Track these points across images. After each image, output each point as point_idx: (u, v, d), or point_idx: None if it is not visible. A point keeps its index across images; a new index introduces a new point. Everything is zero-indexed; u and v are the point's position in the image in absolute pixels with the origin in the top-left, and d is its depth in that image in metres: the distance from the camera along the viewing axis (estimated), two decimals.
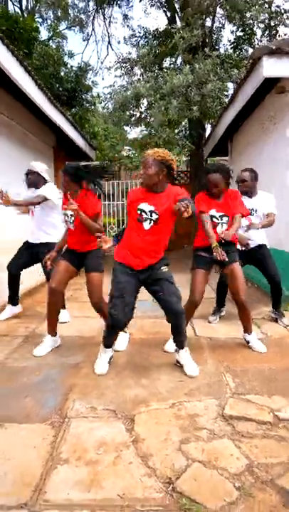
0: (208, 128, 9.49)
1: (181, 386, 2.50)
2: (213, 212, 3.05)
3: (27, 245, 4.00)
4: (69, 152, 7.85)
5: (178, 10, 7.93)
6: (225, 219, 3.04)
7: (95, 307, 3.15)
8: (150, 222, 2.55)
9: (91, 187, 3.05)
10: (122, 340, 3.20)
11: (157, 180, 2.52)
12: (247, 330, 3.20)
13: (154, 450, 1.86)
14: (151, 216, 2.54)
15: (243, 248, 3.50)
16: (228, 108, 5.65)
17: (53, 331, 3.21)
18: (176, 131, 8.71)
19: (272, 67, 3.73)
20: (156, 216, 2.53)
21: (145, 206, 2.56)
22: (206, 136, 9.18)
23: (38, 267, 4.01)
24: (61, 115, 6.07)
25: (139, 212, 2.57)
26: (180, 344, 2.81)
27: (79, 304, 4.60)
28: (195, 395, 2.37)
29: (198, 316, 3.88)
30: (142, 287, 2.74)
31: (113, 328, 2.70)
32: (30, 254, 3.94)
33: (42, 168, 3.90)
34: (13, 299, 4.07)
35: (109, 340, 2.81)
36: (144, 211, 2.56)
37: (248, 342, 3.20)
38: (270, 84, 4.27)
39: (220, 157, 9.38)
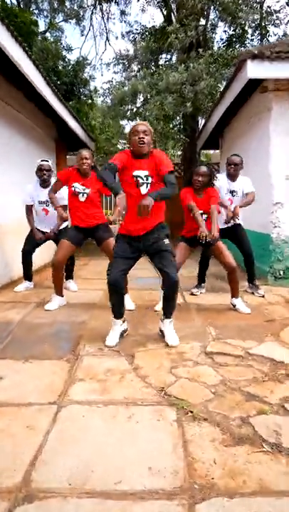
0: (201, 122, 10.02)
1: None
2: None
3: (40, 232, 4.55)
4: (70, 144, 8.32)
5: (174, 10, 8.39)
6: (203, 216, 3.59)
7: None
8: (147, 186, 2.79)
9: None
10: (129, 302, 3.78)
11: (150, 147, 2.81)
12: (234, 294, 3.75)
13: (150, 373, 2.40)
14: (147, 180, 2.79)
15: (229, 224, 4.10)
16: (218, 105, 6.16)
17: (59, 292, 3.86)
18: (171, 125, 9.19)
19: (255, 70, 4.26)
20: (152, 179, 2.78)
21: (140, 172, 2.78)
22: (199, 130, 9.69)
23: (45, 251, 4.58)
24: (64, 107, 6.53)
25: (134, 179, 2.78)
26: (168, 313, 2.99)
27: (81, 280, 5.14)
28: (183, 340, 2.91)
29: (186, 290, 4.45)
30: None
31: (110, 286, 2.85)
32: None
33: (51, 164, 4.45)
34: (28, 275, 4.66)
35: (114, 308, 2.97)
36: (139, 177, 2.78)
37: (234, 305, 3.74)
38: (254, 85, 4.80)
39: (212, 150, 9.90)
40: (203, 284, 4.57)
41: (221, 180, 4.10)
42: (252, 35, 10.01)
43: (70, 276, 4.76)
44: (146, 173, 2.79)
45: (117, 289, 2.91)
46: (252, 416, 1.93)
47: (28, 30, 13.02)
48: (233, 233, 4.29)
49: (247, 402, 2.05)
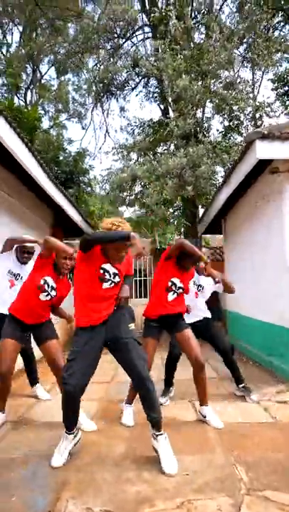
0: (201, 207, 9.88)
1: (188, 481, 2.20)
2: (176, 280, 3.06)
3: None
4: (66, 229, 7.98)
5: (171, 103, 8.66)
6: (180, 291, 3.09)
7: (59, 374, 2.78)
8: (111, 284, 2.45)
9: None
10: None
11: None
12: (203, 400, 3.04)
13: None
14: (113, 279, 2.46)
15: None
16: (221, 189, 5.88)
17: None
18: (171, 210, 9.01)
19: (264, 150, 3.96)
20: (118, 280, 2.49)
21: (109, 267, 2.43)
22: (200, 214, 9.50)
23: None
24: (60, 193, 6.26)
25: (102, 271, 2.40)
26: (156, 423, 2.41)
27: (52, 386, 4.16)
28: (205, 492, 2.07)
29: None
30: None
31: (68, 398, 2.37)
32: None
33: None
34: None
35: (68, 420, 2.48)
36: (107, 272, 2.42)
37: (204, 416, 3.01)
38: (261, 166, 4.50)
39: (214, 235, 9.63)
40: (171, 388, 3.77)
41: None
42: (247, 126, 10.35)
43: (35, 381, 3.86)
44: (115, 271, 2.45)
45: (76, 401, 2.41)
46: None
47: (31, 125, 13.71)
48: (206, 329, 3.69)
49: None
